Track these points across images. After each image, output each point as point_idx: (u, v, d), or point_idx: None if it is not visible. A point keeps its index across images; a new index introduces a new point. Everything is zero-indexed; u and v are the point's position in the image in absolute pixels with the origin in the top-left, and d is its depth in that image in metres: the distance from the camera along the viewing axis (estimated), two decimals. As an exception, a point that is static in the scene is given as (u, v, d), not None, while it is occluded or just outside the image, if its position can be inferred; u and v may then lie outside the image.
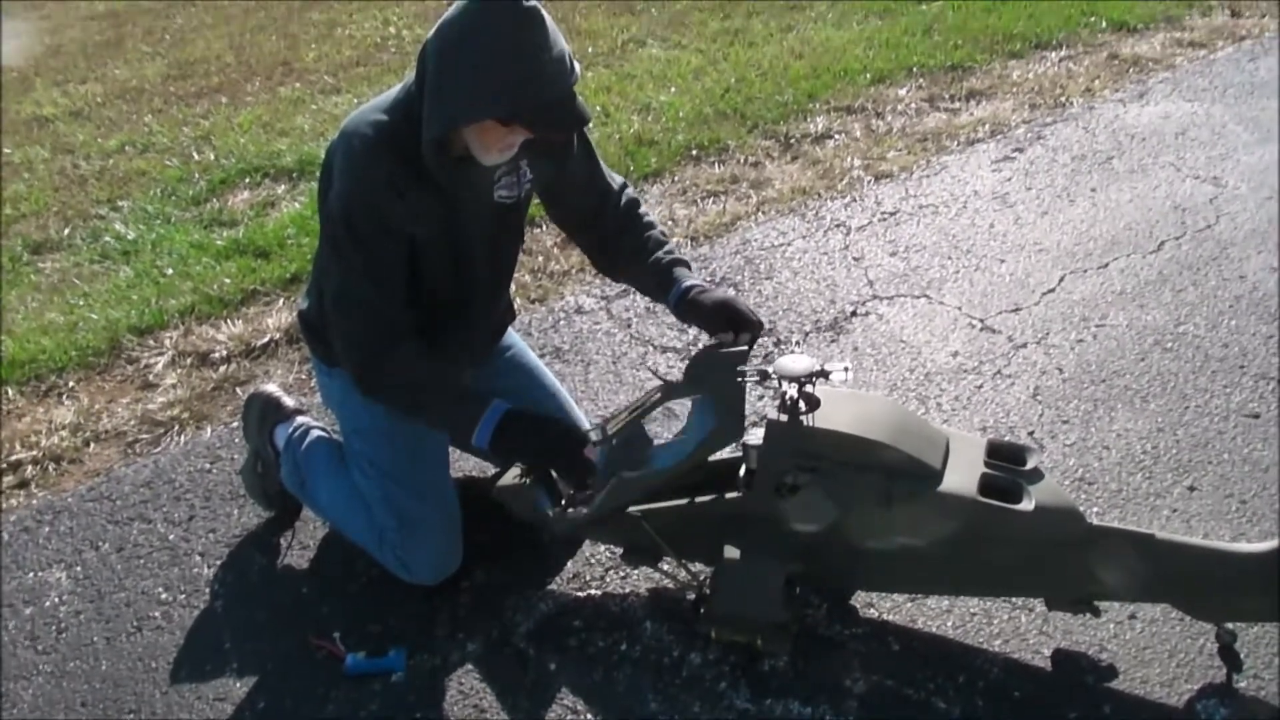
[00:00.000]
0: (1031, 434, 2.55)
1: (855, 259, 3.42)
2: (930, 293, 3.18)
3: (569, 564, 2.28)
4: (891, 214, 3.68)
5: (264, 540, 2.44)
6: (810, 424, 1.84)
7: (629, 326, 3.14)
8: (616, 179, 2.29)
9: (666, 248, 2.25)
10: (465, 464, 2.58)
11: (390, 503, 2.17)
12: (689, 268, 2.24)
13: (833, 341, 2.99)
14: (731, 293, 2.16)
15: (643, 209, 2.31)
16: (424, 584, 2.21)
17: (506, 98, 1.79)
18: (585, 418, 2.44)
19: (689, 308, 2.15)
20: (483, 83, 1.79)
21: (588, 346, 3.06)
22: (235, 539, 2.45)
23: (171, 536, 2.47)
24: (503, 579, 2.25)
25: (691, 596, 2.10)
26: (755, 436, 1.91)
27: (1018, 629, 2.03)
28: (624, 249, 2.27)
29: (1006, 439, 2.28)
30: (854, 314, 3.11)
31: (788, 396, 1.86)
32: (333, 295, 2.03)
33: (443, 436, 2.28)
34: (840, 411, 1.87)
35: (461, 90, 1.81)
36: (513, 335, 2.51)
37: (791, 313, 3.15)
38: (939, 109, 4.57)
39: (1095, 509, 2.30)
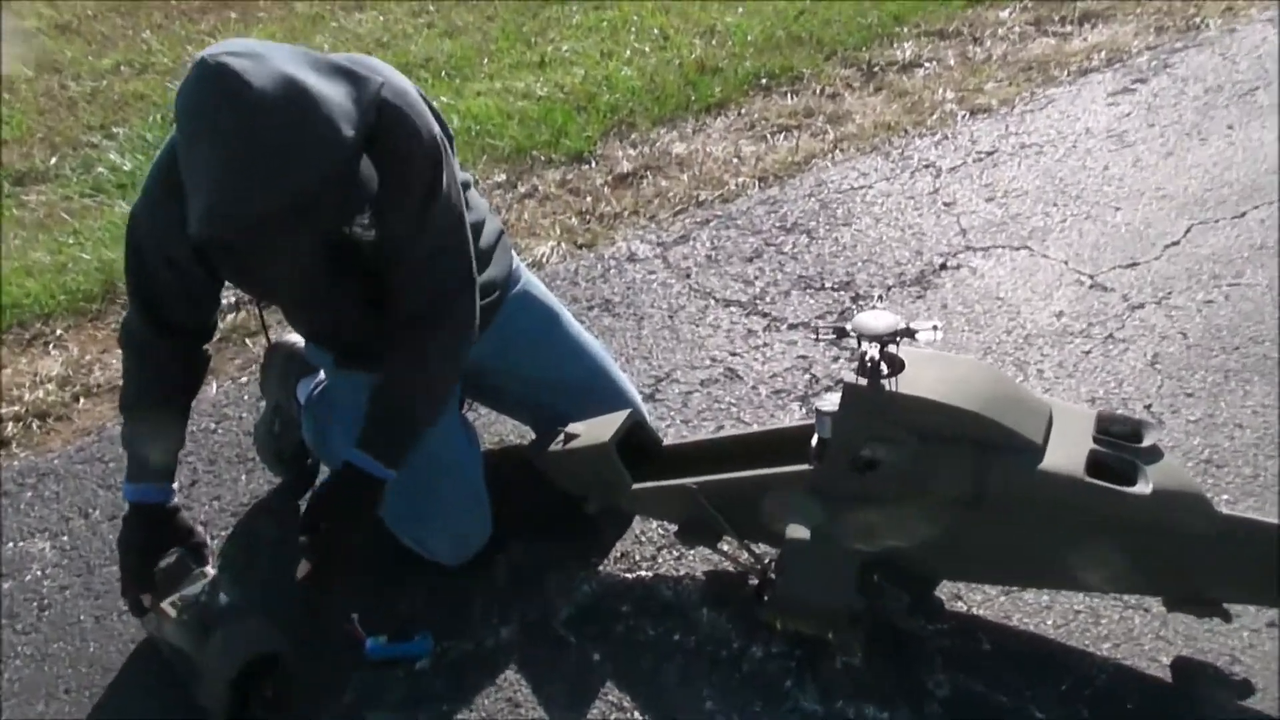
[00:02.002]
0: (1149, 408, 2.52)
1: (946, 205, 3.38)
2: (1032, 244, 3.15)
3: (617, 542, 2.30)
4: (989, 154, 3.64)
5: (275, 509, 2.48)
6: (893, 389, 1.83)
7: (688, 277, 3.14)
8: (424, 302, 2.03)
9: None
10: (503, 426, 2.60)
11: (399, 486, 2.09)
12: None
13: (919, 298, 2.97)
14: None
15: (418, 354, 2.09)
16: (445, 564, 2.23)
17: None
18: (630, 384, 2.44)
19: None
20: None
21: (641, 299, 3.06)
22: (243, 507, 2.49)
23: (171, 503, 2.51)
24: (542, 557, 2.27)
25: (754, 581, 2.11)
26: (830, 402, 1.90)
27: (1130, 631, 2.01)
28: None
29: (1119, 412, 2.25)
30: (944, 267, 3.09)
31: (868, 358, 1.85)
32: None
33: (453, 412, 2.29)
34: (927, 375, 1.86)
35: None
36: (546, 301, 2.44)
37: (872, 264, 3.12)
38: (1046, 33, 4.50)
39: (1225, 496, 2.27)
